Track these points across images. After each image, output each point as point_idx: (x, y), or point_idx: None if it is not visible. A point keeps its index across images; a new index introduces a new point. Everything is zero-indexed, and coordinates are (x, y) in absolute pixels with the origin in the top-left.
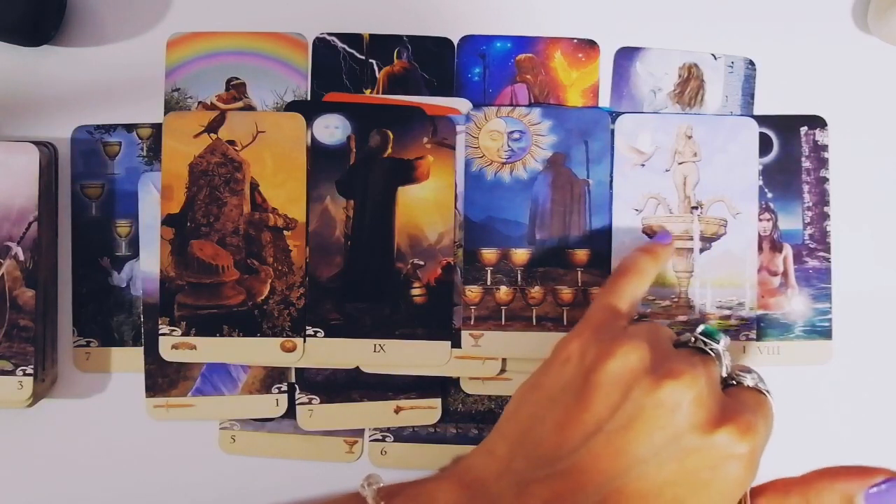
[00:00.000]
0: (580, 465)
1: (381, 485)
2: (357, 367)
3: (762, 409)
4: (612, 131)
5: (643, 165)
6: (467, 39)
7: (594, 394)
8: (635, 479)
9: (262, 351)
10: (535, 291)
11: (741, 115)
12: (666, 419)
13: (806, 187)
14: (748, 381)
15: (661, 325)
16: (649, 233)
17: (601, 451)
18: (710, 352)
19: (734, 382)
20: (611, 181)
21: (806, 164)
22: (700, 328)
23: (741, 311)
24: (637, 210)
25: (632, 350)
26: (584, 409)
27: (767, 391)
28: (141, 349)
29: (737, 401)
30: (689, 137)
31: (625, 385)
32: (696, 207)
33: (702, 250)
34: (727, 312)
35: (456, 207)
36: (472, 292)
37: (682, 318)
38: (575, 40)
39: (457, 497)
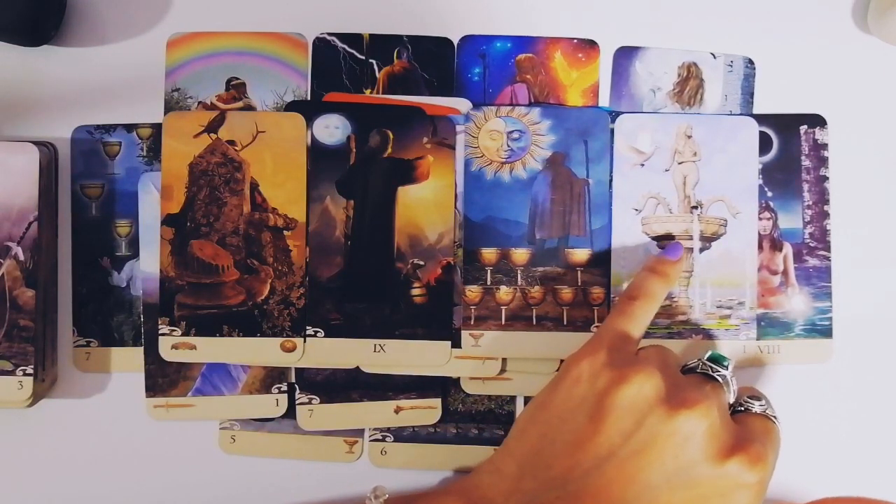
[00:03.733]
0: (592, 489)
1: (388, 496)
2: (357, 367)
3: (770, 436)
4: (612, 131)
5: (643, 165)
6: (467, 39)
7: (607, 418)
8: None
9: (262, 351)
10: (535, 291)
11: (741, 115)
12: (679, 448)
13: (806, 186)
14: (756, 407)
15: (669, 350)
16: (650, 234)
17: (613, 477)
18: (717, 378)
19: (742, 408)
20: (610, 181)
21: (806, 162)
22: (707, 354)
23: (741, 311)
24: (637, 210)
25: (647, 378)
26: (597, 433)
27: (775, 417)
28: (141, 349)
29: (746, 429)
30: (689, 137)
31: (639, 412)
32: (695, 207)
33: (702, 250)
34: (727, 312)
35: (456, 207)
36: (472, 292)
37: (681, 317)
38: (575, 40)
39: None
